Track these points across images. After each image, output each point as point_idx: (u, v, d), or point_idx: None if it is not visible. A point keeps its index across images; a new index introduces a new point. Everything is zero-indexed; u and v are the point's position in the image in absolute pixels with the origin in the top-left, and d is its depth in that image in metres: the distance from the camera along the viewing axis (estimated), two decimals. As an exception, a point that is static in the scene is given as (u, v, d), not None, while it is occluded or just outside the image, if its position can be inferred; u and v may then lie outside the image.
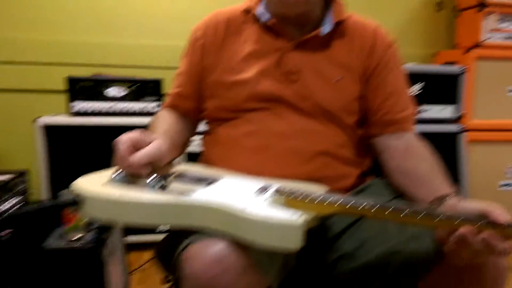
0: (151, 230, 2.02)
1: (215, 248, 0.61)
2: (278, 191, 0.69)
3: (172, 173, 0.80)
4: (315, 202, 0.66)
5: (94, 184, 0.70)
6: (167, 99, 1.07)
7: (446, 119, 2.07)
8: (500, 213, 0.62)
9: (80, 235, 1.31)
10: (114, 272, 1.49)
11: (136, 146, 0.73)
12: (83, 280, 1.25)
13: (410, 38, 2.66)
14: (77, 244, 1.26)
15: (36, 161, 1.91)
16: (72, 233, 1.30)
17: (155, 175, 0.71)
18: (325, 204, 0.66)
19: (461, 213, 0.64)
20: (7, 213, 1.38)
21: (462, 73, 2.10)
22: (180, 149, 1.00)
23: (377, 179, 0.96)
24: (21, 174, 1.56)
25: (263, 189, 0.72)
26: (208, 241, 0.63)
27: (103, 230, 1.41)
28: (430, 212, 0.63)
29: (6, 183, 1.41)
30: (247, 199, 0.68)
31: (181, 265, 0.64)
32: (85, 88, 2.00)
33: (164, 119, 1.01)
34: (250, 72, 0.93)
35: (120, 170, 0.72)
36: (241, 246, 0.62)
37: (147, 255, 2.04)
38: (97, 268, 1.27)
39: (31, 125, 1.91)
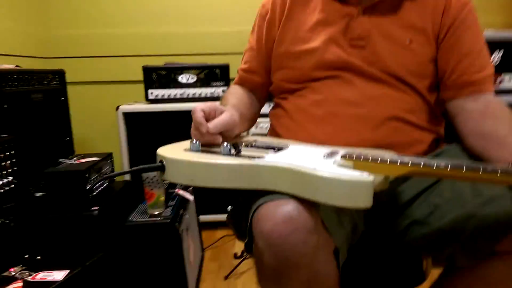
0: (222, 210, 2.10)
1: (286, 208, 0.62)
2: (346, 155, 0.68)
3: (243, 142, 0.84)
4: (387, 163, 0.64)
5: (175, 151, 0.76)
6: (237, 75, 1.10)
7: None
8: None
9: (159, 211, 1.41)
10: (191, 247, 1.58)
11: (210, 116, 0.78)
12: (162, 252, 1.35)
13: (487, 5, 2.46)
14: (157, 219, 1.36)
15: (118, 145, 2.08)
16: (152, 209, 1.41)
17: (227, 143, 0.75)
18: (397, 164, 0.64)
19: None
20: (96, 191, 1.52)
21: (546, 38, 1.87)
22: (249, 122, 1.03)
23: (453, 144, 0.91)
24: (107, 157, 1.71)
25: (332, 154, 0.72)
26: (279, 201, 0.63)
27: (180, 207, 1.51)
28: (509, 169, 0.58)
29: (94, 164, 1.55)
30: (317, 161, 0.69)
31: (254, 226, 0.67)
32: (159, 76, 2.12)
33: (233, 94, 1.04)
34: (317, 41, 0.92)
35: (197, 140, 0.77)
36: (310, 207, 0.63)
37: (219, 233, 2.14)
38: (175, 241, 1.36)
39: (114, 113, 2.08)
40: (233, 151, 0.74)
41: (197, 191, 1.78)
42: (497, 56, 1.77)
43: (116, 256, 1.38)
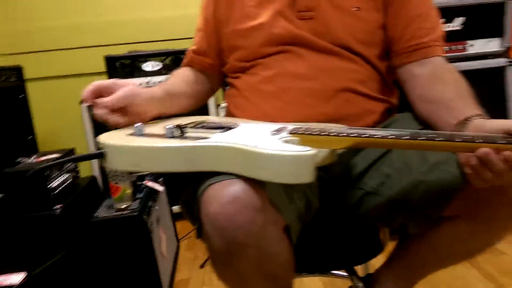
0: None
1: (232, 188, 0.60)
2: (293, 131, 0.67)
3: (190, 123, 0.80)
4: (331, 136, 0.63)
5: (116, 137, 0.73)
6: (185, 57, 1.06)
7: (492, 53, 1.86)
8: None
9: (126, 204, 1.36)
10: (163, 239, 1.54)
11: (105, 93, 0.78)
12: (131, 246, 1.31)
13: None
14: (123, 213, 1.31)
15: (84, 140, 2.02)
16: (119, 203, 1.36)
17: (172, 125, 0.71)
18: (342, 136, 0.62)
19: (485, 134, 0.59)
20: (58, 189, 1.46)
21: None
22: (190, 100, 0.99)
23: (405, 113, 0.90)
24: (68, 153, 1.64)
25: (279, 130, 0.69)
26: (225, 182, 0.61)
27: (148, 199, 1.46)
28: (449, 135, 0.58)
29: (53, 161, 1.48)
30: (261, 138, 0.66)
31: (201, 209, 0.64)
32: (123, 65, 2.05)
33: (174, 74, 1.02)
34: (264, 16, 0.89)
35: (140, 124, 0.74)
36: (257, 185, 0.60)
37: (193, 223, 2.11)
38: (144, 233, 1.32)
39: (78, 107, 2.01)
40: (177, 133, 0.70)
41: (169, 182, 1.74)
42: (458, 23, 1.74)
43: (81, 254, 1.33)
